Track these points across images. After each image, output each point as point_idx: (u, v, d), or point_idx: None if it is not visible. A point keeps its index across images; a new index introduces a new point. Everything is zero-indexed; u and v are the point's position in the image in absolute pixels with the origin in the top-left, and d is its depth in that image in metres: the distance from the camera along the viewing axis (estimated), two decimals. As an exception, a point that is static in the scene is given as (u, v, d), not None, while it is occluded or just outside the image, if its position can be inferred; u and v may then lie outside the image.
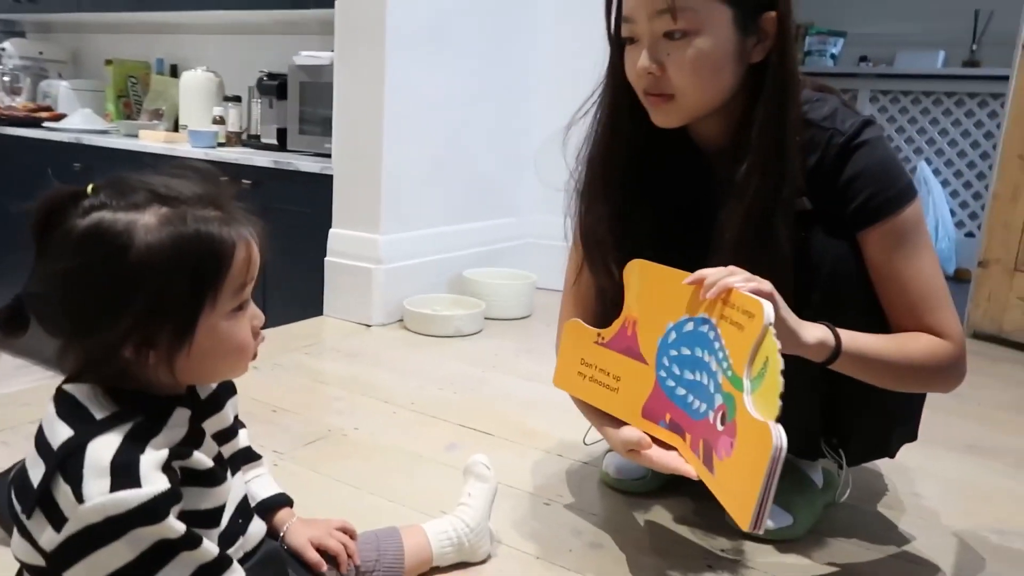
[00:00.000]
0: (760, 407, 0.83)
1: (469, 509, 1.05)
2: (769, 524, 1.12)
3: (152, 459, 0.67)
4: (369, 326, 2.17)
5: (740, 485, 0.84)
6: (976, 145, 3.73)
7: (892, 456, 1.20)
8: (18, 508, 0.69)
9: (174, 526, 0.67)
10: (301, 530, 0.92)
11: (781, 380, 0.80)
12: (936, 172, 3.76)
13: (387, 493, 1.23)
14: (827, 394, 1.10)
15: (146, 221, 0.68)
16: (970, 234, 3.70)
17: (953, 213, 3.74)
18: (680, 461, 0.97)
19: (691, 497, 1.25)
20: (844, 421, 1.13)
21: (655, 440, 1.01)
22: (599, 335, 1.10)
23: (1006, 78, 2.40)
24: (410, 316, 2.16)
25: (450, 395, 1.70)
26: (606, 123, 1.11)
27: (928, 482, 1.37)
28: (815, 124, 1.04)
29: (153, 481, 0.66)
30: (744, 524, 0.82)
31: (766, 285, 0.89)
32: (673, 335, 0.99)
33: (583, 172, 1.14)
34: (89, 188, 0.70)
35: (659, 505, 1.23)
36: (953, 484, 1.39)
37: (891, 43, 3.85)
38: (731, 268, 0.92)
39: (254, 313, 0.76)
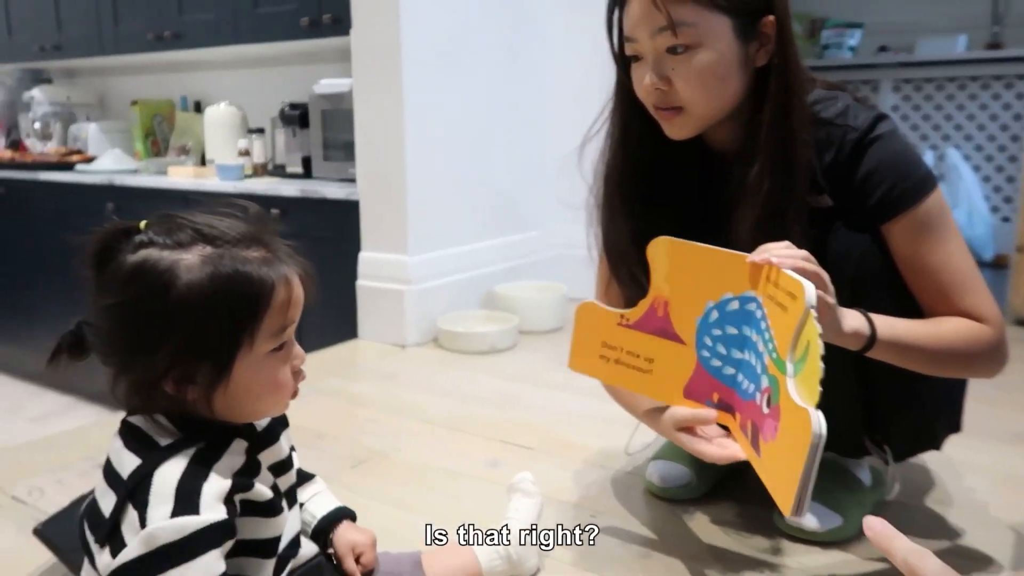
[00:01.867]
0: (801, 392, 0.83)
1: (516, 523, 1.05)
2: (817, 525, 1.11)
3: (215, 489, 0.69)
4: (404, 347, 2.19)
5: (783, 470, 0.84)
6: (1005, 128, 3.67)
7: (938, 448, 1.18)
8: (91, 539, 0.71)
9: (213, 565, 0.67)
10: (348, 535, 0.94)
11: (821, 366, 0.80)
12: (966, 158, 3.70)
13: (432, 513, 1.24)
14: (866, 390, 1.09)
15: (188, 260, 0.70)
16: (1006, 219, 3.64)
17: (987, 198, 3.67)
18: (730, 449, 0.96)
19: (737, 501, 1.24)
20: (885, 416, 1.12)
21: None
22: (623, 316, 1.08)
23: (1031, 59, 2.36)
24: (443, 334, 2.18)
25: (488, 411, 1.70)
26: (618, 138, 1.13)
27: (976, 475, 1.35)
28: (828, 122, 1.05)
29: (212, 509, 0.68)
30: (785, 510, 0.82)
31: (815, 267, 0.88)
32: (715, 314, 0.98)
33: (600, 188, 1.16)
34: (141, 224, 0.73)
35: (705, 511, 1.22)
36: (1002, 476, 1.36)
37: (911, 30, 3.81)
38: (787, 243, 0.91)
39: (296, 353, 0.77)
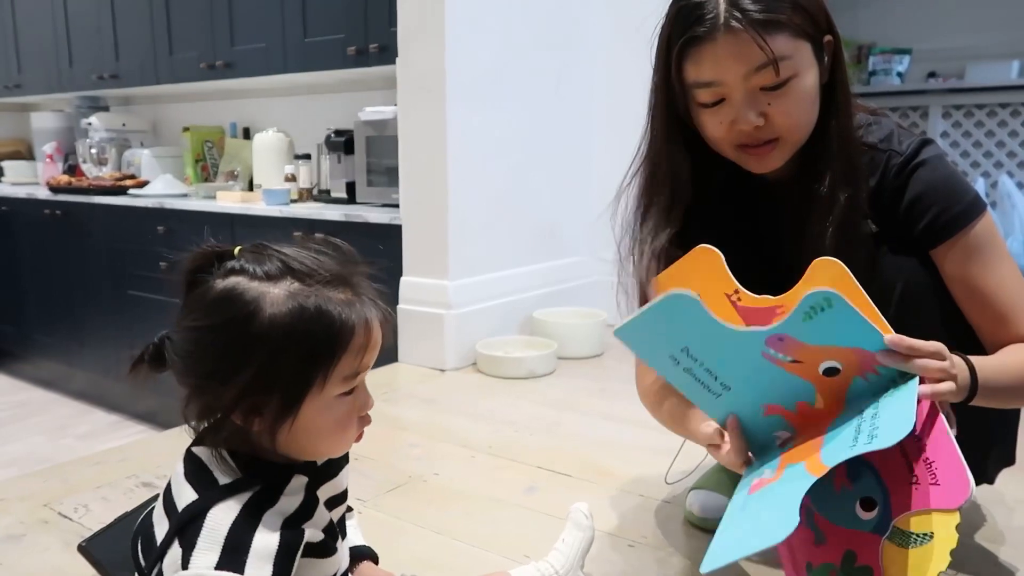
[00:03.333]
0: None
1: (559, 554, 1.03)
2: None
3: (263, 546, 0.68)
4: (443, 371, 2.20)
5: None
6: (1060, 154, 3.59)
7: (991, 482, 1.14)
8: (142, 562, 0.72)
9: None
10: (367, 572, 0.93)
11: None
12: (1019, 185, 3.61)
13: (470, 539, 1.23)
14: None
15: (274, 294, 0.70)
16: (1061, 247, 3.53)
17: (1041, 226, 3.58)
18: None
19: (779, 534, 1.21)
20: None
21: None
22: (736, 292, 0.95)
23: (1087, 84, 2.31)
24: (483, 359, 2.18)
25: (526, 437, 1.69)
26: (673, 185, 1.08)
27: (1034, 512, 1.30)
28: (873, 146, 1.04)
29: (258, 570, 0.67)
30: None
31: (948, 388, 0.84)
32: None
33: (648, 244, 1.11)
34: (236, 250, 0.74)
35: (746, 543, 1.20)
36: (1062, 513, 1.31)
37: (960, 57, 3.75)
38: (937, 347, 0.85)
39: (364, 399, 0.78)
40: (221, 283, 0.71)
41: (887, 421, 0.79)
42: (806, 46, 0.96)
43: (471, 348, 2.23)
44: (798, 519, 0.75)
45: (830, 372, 0.87)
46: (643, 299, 1.18)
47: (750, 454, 0.95)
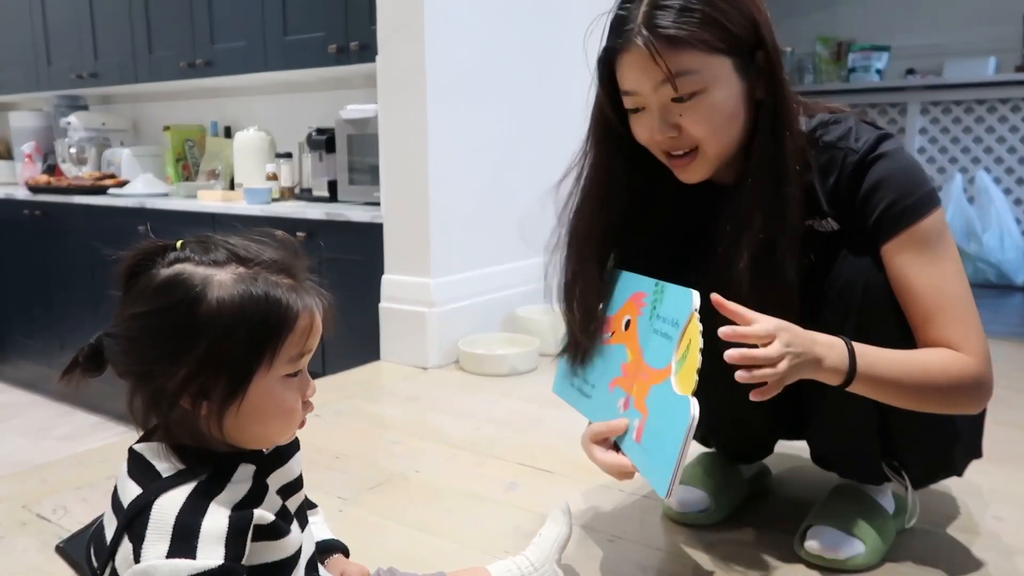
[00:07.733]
0: (681, 384, 0.93)
1: (536, 548, 1.05)
2: (836, 553, 1.09)
3: (214, 528, 0.68)
4: (425, 368, 2.20)
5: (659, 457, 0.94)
6: (1036, 150, 3.63)
7: (959, 474, 1.16)
8: (95, 563, 0.72)
9: None
10: (339, 565, 0.94)
11: (699, 357, 0.91)
12: (997, 181, 3.66)
13: (451, 536, 1.24)
14: (881, 414, 1.06)
15: (221, 278, 0.72)
16: (1039, 242, 3.58)
17: (1019, 221, 3.62)
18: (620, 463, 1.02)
19: (755, 527, 1.23)
20: (901, 441, 1.10)
21: None
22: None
23: (1060, 81, 2.34)
24: (465, 357, 2.18)
25: (508, 434, 1.70)
26: (601, 184, 1.13)
27: (1004, 503, 1.32)
28: (831, 146, 1.05)
29: (208, 555, 0.67)
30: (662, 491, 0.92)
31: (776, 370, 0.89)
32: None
33: (580, 236, 1.15)
34: (178, 243, 0.75)
35: (724, 537, 1.21)
36: (1034, 503, 1.33)
37: (938, 53, 3.79)
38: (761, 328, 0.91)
39: (307, 383, 0.78)
40: (166, 270, 0.72)
41: (669, 312, 1.00)
42: (723, 60, 0.97)
43: (453, 346, 2.23)
44: (691, 406, 0.89)
45: (627, 326, 1.09)
46: (571, 292, 1.18)
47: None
